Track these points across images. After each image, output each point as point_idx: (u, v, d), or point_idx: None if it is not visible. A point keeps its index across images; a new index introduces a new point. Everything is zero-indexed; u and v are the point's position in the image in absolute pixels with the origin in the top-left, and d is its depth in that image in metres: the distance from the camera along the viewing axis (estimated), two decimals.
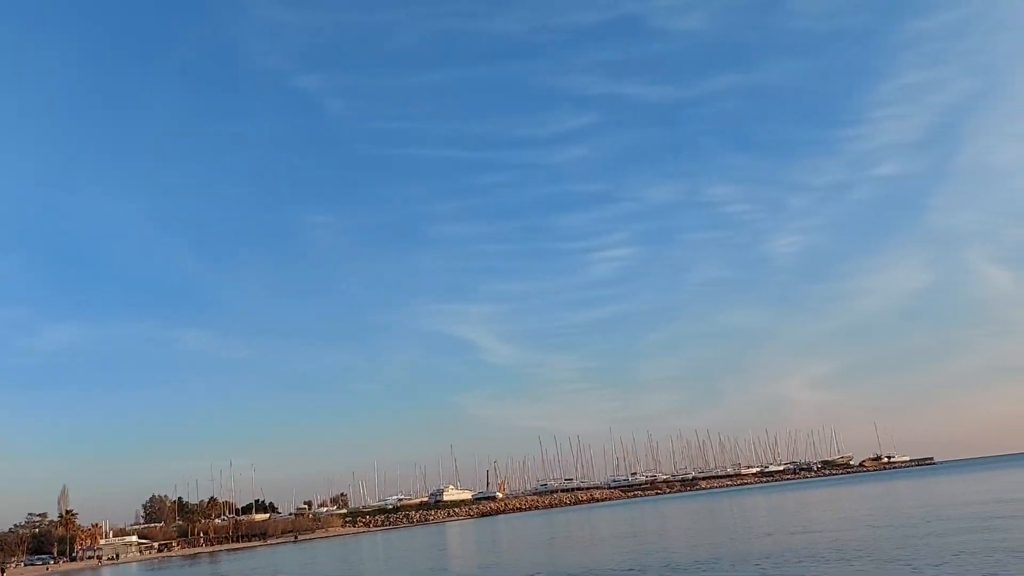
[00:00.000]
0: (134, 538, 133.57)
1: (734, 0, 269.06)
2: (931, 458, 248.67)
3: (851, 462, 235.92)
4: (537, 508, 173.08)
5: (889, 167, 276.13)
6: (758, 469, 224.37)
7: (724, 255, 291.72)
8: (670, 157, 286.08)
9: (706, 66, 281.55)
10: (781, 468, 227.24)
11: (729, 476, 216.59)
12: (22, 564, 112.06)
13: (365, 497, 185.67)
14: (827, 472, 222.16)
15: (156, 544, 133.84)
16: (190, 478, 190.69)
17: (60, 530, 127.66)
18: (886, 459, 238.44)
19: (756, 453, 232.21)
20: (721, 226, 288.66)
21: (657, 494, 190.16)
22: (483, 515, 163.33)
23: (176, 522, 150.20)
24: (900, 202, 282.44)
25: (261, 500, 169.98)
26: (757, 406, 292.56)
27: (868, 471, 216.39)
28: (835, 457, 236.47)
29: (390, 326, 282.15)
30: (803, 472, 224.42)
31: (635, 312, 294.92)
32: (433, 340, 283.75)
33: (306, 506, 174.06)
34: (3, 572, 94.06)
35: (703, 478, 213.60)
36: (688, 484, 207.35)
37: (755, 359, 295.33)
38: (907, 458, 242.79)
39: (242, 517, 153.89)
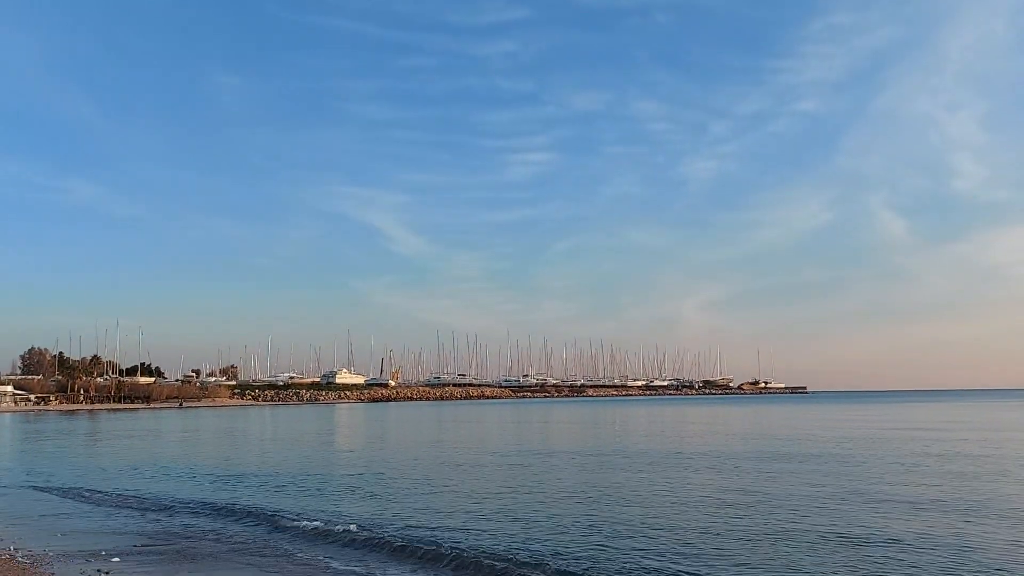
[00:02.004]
0: (9, 388, 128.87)
1: None
2: (805, 387, 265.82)
3: (731, 384, 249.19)
4: (428, 399, 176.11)
5: (809, 103, 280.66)
6: (644, 382, 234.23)
7: (640, 172, 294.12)
8: (600, 65, 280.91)
9: None
10: (665, 384, 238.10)
11: (616, 387, 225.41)
12: None
13: (256, 371, 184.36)
14: (707, 391, 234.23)
15: (33, 396, 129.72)
16: (73, 334, 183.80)
17: None
18: (763, 384, 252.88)
19: (644, 367, 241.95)
20: (641, 142, 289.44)
21: (546, 397, 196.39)
22: (374, 400, 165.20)
23: (55, 377, 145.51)
24: (814, 140, 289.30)
25: (147, 364, 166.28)
26: (650, 323, 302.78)
27: (746, 394, 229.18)
28: (717, 378, 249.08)
29: (292, 202, 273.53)
30: (685, 389, 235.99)
31: (545, 219, 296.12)
32: (337, 222, 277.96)
33: (194, 374, 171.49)
34: None
35: (591, 386, 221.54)
36: (576, 390, 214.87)
37: (655, 278, 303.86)
38: (783, 385, 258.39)
39: (126, 378, 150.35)
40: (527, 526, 15.07)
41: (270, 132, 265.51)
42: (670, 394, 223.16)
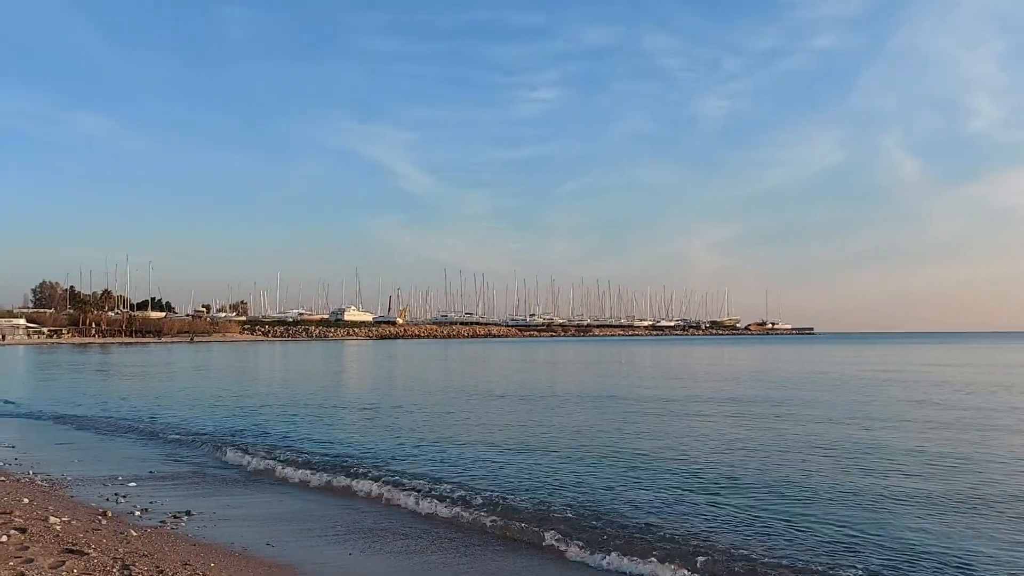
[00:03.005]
0: (22, 321, 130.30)
1: None
2: (812, 328, 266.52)
3: (737, 324, 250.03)
4: (435, 337, 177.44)
5: (825, 40, 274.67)
6: (650, 323, 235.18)
7: (651, 110, 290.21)
8: None
9: None
10: (672, 324, 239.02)
11: (622, 326, 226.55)
12: None
13: (266, 307, 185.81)
14: (714, 332, 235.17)
15: (46, 330, 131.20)
16: (84, 268, 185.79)
17: None
18: (770, 325, 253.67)
19: (650, 308, 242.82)
20: (653, 79, 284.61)
21: (552, 336, 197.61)
22: (382, 338, 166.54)
23: (67, 310, 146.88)
24: (828, 78, 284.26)
25: (157, 299, 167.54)
26: (658, 263, 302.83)
27: (752, 335, 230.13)
28: (724, 319, 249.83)
29: (299, 138, 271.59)
30: (691, 330, 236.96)
31: (554, 157, 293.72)
32: (345, 159, 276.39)
33: (204, 309, 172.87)
34: None
35: (597, 326, 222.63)
36: (583, 330, 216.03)
37: (663, 217, 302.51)
38: (790, 326, 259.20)
39: (137, 313, 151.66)
40: (531, 462, 15.24)
41: (277, 66, 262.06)
42: (677, 334, 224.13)
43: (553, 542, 9.39)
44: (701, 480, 12.94)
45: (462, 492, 11.94)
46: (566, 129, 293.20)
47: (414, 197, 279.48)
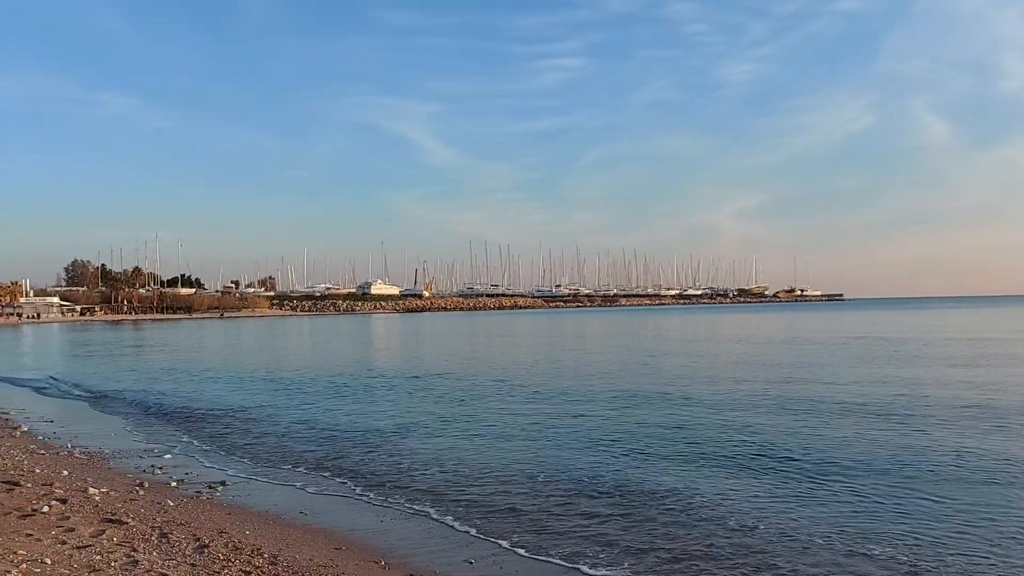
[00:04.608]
0: (56, 299, 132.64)
1: None
2: (841, 295, 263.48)
3: (766, 292, 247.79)
4: (462, 309, 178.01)
5: (851, 2, 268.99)
6: (677, 292, 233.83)
7: (675, 77, 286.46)
8: None
9: None
10: (699, 293, 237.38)
11: (649, 296, 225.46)
12: None
13: (293, 282, 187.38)
14: (742, 300, 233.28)
15: (79, 308, 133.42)
16: (114, 246, 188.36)
17: None
18: (799, 292, 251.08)
19: (677, 276, 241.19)
20: (676, 45, 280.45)
21: (579, 306, 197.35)
22: (409, 311, 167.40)
23: (99, 288, 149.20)
24: (855, 41, 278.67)
25: (187, 275, 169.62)
26: (684, 233, 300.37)
27: (781, 302, 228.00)
28: (752, 287, 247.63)
29: (322, 114, 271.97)
30: (719, 298, 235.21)
31: (576, 127, 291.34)
32: (367, 133, 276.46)
33: (233, 285, 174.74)
34: None
35: (624, 295, 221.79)
36: (609, 300, 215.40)
37: (688, 186, 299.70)
38: (819, 293, 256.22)
39: (167, 289, 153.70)
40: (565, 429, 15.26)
41: (299, 41, 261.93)
42: (704, 303, 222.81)
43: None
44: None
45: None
46: (588, 99, 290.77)
47: (437, 170, 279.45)
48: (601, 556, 7.68)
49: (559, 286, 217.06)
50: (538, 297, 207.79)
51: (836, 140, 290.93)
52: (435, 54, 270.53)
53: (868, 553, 7.56)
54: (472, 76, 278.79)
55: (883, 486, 10.02)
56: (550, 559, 7.67)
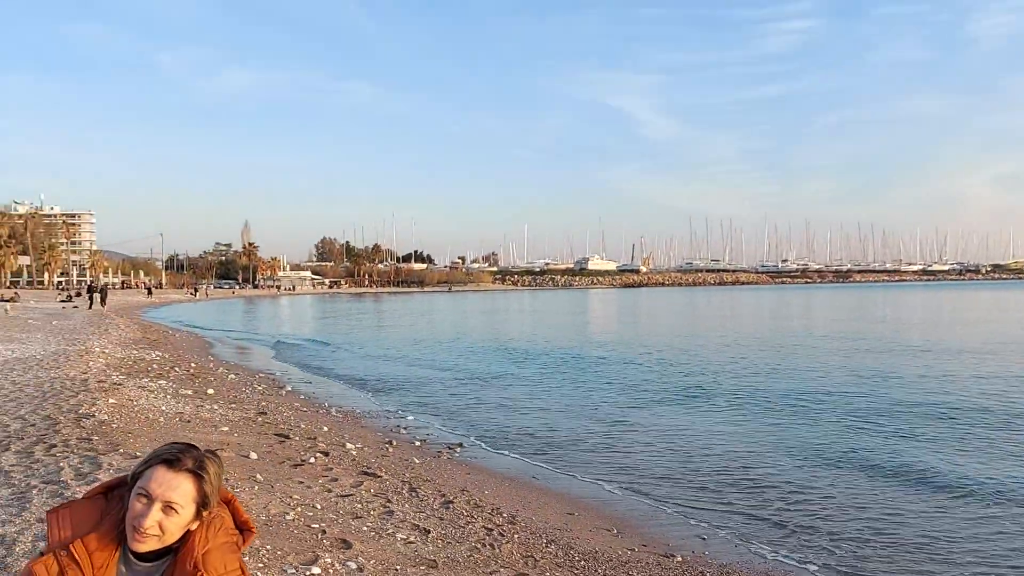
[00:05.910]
0: (308, 273, 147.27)
1: None
2: None
3: None
4: (680, 285, 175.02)
5: None
6: (920, 267, 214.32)
7: (919, 34, 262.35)
8: None
9: None
10: (946, 268, 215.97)
11: (887, 272, 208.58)
12: (211, 286, 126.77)
13: (514, 258, 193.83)
14: (996, 276, 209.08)
15: (327, 281, 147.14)
16: (356, 224, 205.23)
17: (244, 259, 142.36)
18: None
19: (920, 251, 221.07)
20: (920, 0, 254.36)
21: (807, 283, 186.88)
22: (626, 286, 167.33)
23: (344, 263, 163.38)
24: None
25: (420, 251, 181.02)
26: (929, 202, 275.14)
27: None
28: (1008, 261, 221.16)
29: (544, 91, 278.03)
30: (969, 274, 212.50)
31: (806, 92, 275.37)
32: (587, 109, 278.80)
33: (460, 260, 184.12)
34: (195, 291, 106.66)
35: (859, 271, 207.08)
36: (841, 276, 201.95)
37: (933, 152, 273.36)
38: None
39: (402, 265, 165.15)
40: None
41: (521, 20, 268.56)
42: (952, 279, 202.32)
43: None
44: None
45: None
46: (820, 61, 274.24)
47: (657, 143, 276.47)
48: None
49: (786, 261, 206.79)
50: (762, 273, 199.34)
51: None
52: (656, 24, 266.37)
53: None
54: (693, 44, 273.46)
55: None
56: (786, 560, 7.40)
